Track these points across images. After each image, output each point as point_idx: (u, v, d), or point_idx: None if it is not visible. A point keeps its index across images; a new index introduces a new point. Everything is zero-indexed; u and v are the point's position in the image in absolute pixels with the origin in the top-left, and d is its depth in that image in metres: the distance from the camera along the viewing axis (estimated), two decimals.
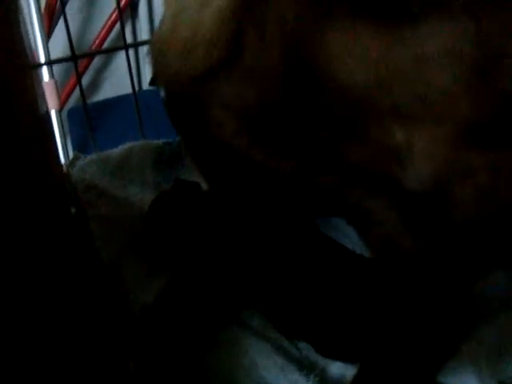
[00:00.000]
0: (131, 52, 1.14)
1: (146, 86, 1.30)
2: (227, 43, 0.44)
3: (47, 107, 1.01)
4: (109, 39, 1.21)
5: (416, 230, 0.45)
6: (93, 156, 0.72)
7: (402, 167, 0.41)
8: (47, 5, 1.17)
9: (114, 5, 1.17)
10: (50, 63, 0.98)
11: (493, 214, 0.40)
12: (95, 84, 1.32)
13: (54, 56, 1.07)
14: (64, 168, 0.72)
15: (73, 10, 1.23)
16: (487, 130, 0.38)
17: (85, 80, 1.26)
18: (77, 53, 0.74)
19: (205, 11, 0.45)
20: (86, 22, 1.26)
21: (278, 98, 0.43)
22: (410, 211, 0.44)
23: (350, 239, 0.60)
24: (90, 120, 0.73)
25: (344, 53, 0.39)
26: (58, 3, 1.17)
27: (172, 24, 0.48)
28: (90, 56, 1.19)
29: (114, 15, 1.18)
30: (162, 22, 0.51)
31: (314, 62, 0.40)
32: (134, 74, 1.15)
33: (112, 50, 1.23)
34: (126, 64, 0.76)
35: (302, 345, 0.54)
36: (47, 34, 1.11)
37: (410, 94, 0.38)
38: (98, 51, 1.17)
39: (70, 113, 1.12)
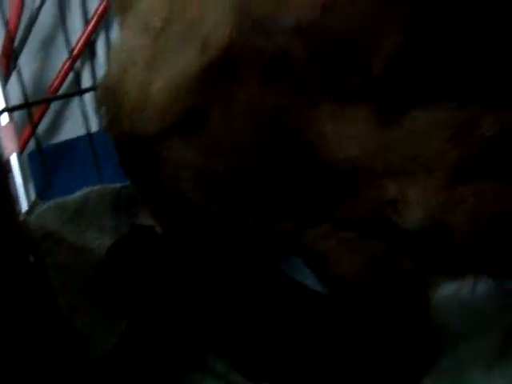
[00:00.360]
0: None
1: None
2: (181, 112, 0.45)
3: (4, 152, 1.00)
4: (69, 78, 1.21)
5: (384, 269, 0.46)
6: (50, 203, 0.71)
7: (397, 214, 0.44)
8: (4, 48, 1.17)
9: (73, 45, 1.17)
10: (3, 111, 0.98)
11: (486, 231, 0.43)
12: (56, 124, 1.32)
13: (14, 95, 1.06)
14: (22, 215, 0.71)
15: (32, 50, 1.23)
16: (474, 167, 0.41)
17: (46, 121, 1.25)
18: (35, 96, 0.74)
19: (154, 77, 0.46)
20: (45, 62, 1.26)
21: (251, 166, 0.44)
22: (403, 246, 0.46)
23: (313, 279, 0.60)
24: (45, 165, 0.73)
25: (337, 134, 0.41)
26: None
27: (120, 77, 0.49)
28: (45, 102, 1.18)
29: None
30: (108, 72, 0.51)
31: (304, 140, 0.41)
32: (94, 114, 1.14)
33: (66, 97, 1.22)
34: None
35: None
36: (5, 77, 1.10)
37: (403, 158, 0.41)
38: (53, 97, 1.16)
39: (31, 156, 1.11)
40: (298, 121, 0.41)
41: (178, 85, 0.44)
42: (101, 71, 1.24)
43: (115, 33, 1.22)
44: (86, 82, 1.22)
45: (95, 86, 1.14)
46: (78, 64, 1.23)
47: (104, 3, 1.19)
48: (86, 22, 1.20)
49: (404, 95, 0.38)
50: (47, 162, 1.02)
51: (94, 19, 1.20)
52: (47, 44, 1.26)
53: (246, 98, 0.42)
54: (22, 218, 0.70)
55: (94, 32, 1.23)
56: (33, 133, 0.76)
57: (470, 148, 0.40)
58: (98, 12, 1.20)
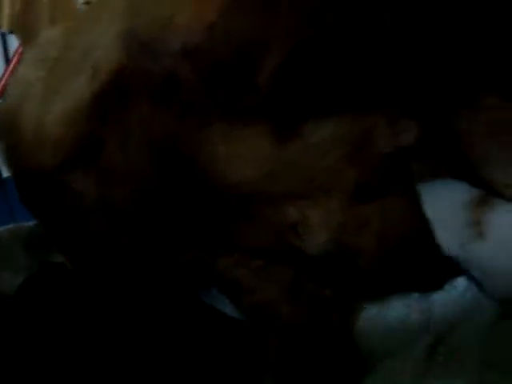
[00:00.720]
0: None
1: None
2: (77, 143, 0.43)
3: None
4: None
5: (298, 295, 0.45)
6: None
7: (300, 239, 0.43)
8: None
9: None
10: None
11: (392, 251, 0.43)
12: None
13: None
14: None
15: None
16: (374, 186, 0.41)
17: None
18: None
19: (49, 109, 0.44)
20: None
21: (148, 194, 0.43)
22: (310, 271, 0.45)
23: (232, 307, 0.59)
24: None
25: (229, 155, 0.40)
26: None
27: (16, 111, 0.47)
28: None
29: None
30: (5, 106, 0.49)
31: (196, 163, 0.40)
32: None
33: None
34: None
35: None
36: None
37: (299, 179, 0.40)
38: None
39: None
40: (189, 143, 0.40)
41: (71, 115, 0.43)
42: None
43: None
44: None
45: None
46: None
47: None
48: (7, 61, 1.18)
49: (295, 110, 0.38)
50: None
51: (15, 58, 1.18)
52: None
53: (138, 123, 0.40)
54: None
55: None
56: None
57: (368, 165, 0.40)
58: (19, 51, 1.18)
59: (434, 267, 0.45)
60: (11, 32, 1.21)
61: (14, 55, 1.21)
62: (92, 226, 0.46)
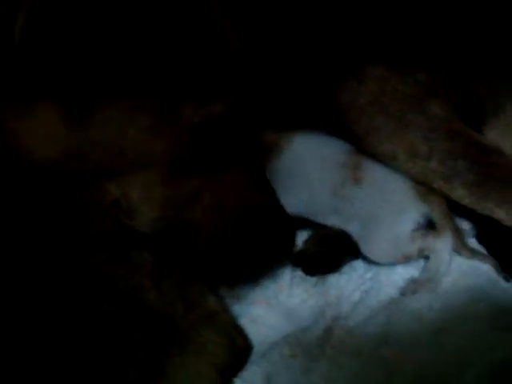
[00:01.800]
0: None
1: None
2: None
3: None
4: None
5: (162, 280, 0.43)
6: None
7: (128, 217, 0.42)
8: None
9: None
10: None
11: (230, 225, 0.42)
12: None
13: None
14: None
15: None
16: (192, 159, 0.41)
17: None
18: None
19: None
20: None
21: None
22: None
23: None
24: None
25: (24, 131, 0.39)
26: None
27: None
28: None
29: None
30: None
31: (4, 142, 0.39)
32: None
33: None
34: None
35: None
36: None
37: (108, 156, 0.39)
38: None
39: None
40: None
41: None
42: None
43: None
44: None
45: None
46: None
47: None
48: None
49: (83, 89, 0.37)
50: None
51: None
52: None
53: None
54: None
55: None
56: None
57: (177, 136, 0.40)
58: None
59: (279, 238, 0.44)
60: None
61: None
62: None
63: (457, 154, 0.46)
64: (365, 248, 0.49)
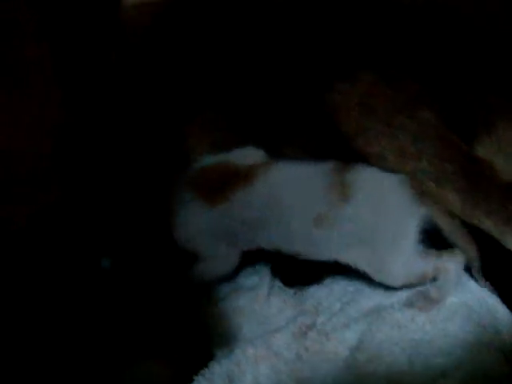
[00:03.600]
0: None
1: None
2: None
3: None
4: None
5: None
6: None
7: None
8: None
9: None
10: None
11: None
12: None
13: None
14: None
15: None
16: None
17: None
18: None
19: None
20: None
21: None
22: None
23: None
24: None
25: None
26: None
27: None
28: None
29: None
30: None
31: None
32: None
33: None
34: None
35: None
36: None
37: None
38: None
39: None
40: None
41: None
42: None
43: None
44: None
45: None
46: None
47: None
48: None
49: None
50: None
51: None
52: None
53: None
54: None
55: None
56: None
57: None
58: None
59: None
60: None
61: None
62: None
63: (445, 157, 0.45)
64: (375, 276, 0.44)
